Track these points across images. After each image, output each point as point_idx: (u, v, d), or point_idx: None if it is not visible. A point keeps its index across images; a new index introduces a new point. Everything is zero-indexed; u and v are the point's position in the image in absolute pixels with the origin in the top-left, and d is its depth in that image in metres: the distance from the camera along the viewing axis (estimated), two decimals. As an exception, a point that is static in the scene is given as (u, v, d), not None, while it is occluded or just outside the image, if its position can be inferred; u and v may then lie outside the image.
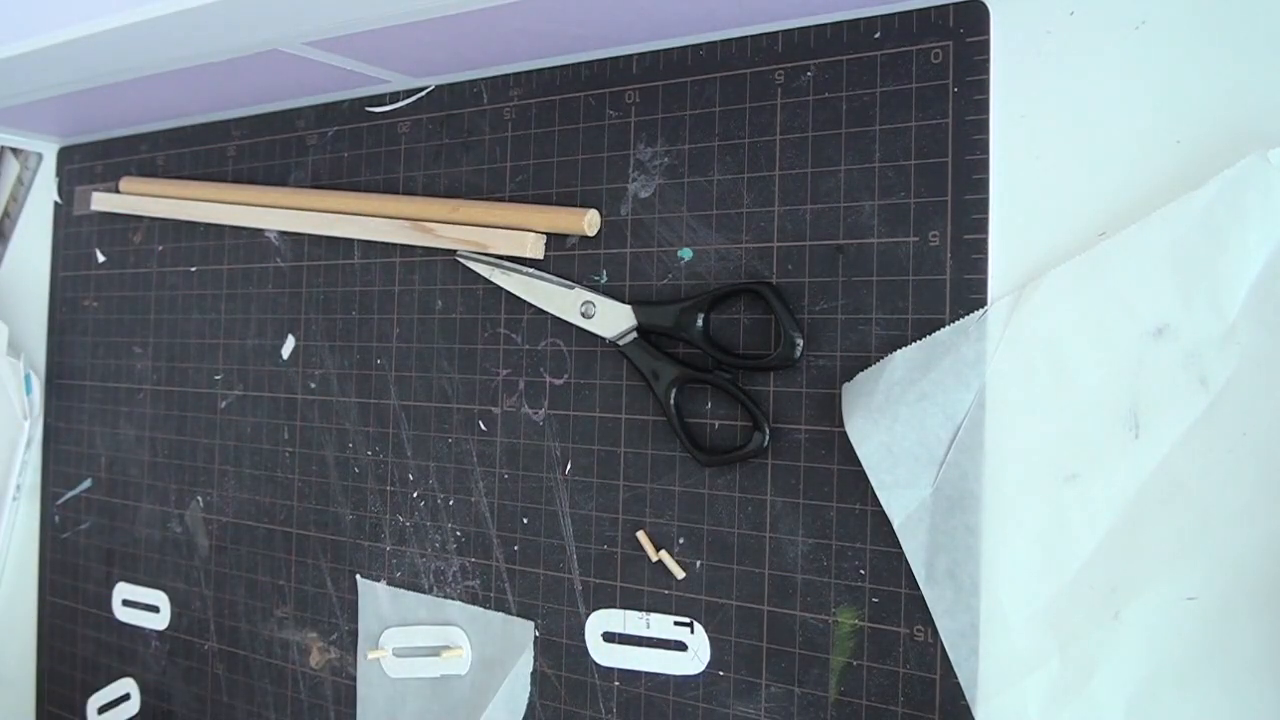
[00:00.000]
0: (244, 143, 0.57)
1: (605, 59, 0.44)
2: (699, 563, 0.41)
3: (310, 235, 0.53)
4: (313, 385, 0.53)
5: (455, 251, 0.47)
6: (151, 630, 0.59)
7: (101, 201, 0.62)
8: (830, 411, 0.38)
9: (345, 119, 0.52)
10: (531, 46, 0.44)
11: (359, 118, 0.52)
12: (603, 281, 0.44)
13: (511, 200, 0.46)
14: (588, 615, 0.43)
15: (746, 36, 0.40)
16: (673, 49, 0.42)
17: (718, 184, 0.41)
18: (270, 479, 0.54)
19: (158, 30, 0.41)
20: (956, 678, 0.35)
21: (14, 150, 0.69)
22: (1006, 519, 0.35)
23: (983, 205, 0.35)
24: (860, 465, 0.37)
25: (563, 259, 0.45)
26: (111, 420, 0.62)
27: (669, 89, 0.42)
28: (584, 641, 0.43)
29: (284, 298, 0.54)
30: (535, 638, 0.45)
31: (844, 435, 0.37)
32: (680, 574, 0.41)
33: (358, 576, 0.50)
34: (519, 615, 0.45)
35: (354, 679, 0.50)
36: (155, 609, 0.59)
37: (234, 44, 0.43)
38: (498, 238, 0.45)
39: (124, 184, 0.61)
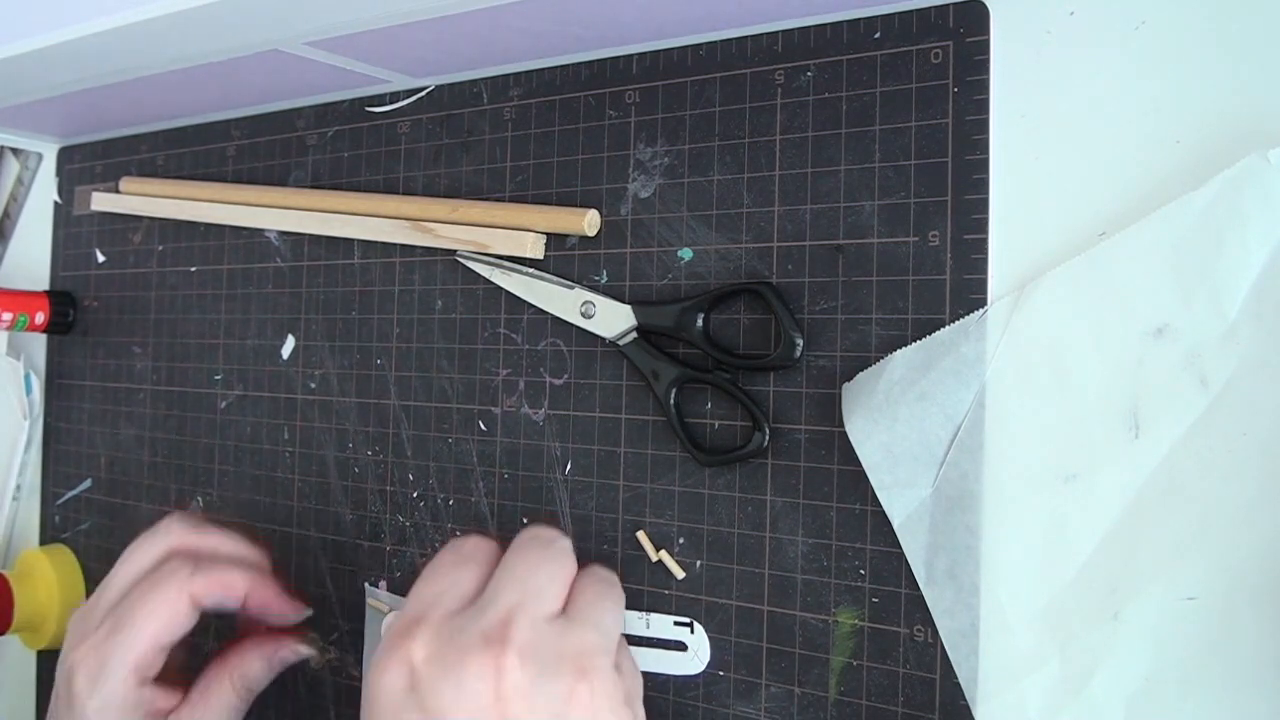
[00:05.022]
0: (244, 143, 0.57)
1: (605, 59, 0.44)
2: (699, 563, 0.41)
3: (310, 235, 0.53)
4: (313, 385, 0.53)
5: (455, 251, 0.47)
6: (151, 630, 0.59)
7: (101, 201, 0.62)
8: (830, 411, 0.38)
9: (345, 119, 0.52)
10: (531, 46, 0.44)
11: (359, 118, 0.52)
12: (603, 281, 0.44)
13: (511, 200, 0.46)
14: (588, 615, 0.43)
15: (746, 36, 0.40)
16: (673, 49, 0.42)
17: (718, 184, 0.41)
18: (270, 479, 0.54)
19: (158, 30, 0.41)
20: (956, 678, 0.35)
21: (14, 150, 0.69)
22: (1006, 519, 0.35)
23: (983, 205, 0.36)
24: (860, 465, 0.37)
25: (563, 259, 0.45)
26: (111, 420, 0.62)
27: (669, 89, 0.42)
28: (584, 641, 0.43)
29: (284, 298, 0.54)
30: (535, 638, 0.45)
31: (844, 435, 0.37)
32: (680, 574, 0.41)
33: (366, 585, 0.50)
34: (519, 615, 0.45)
35: (354, 679, 0.50)
36: (155, 609, 0.59)
37: (234, 44, 0.43)
38: (498, 238, 0.45)
39: (124, 184, 0.61)
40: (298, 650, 0.47)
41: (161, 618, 0.42)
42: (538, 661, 0.33)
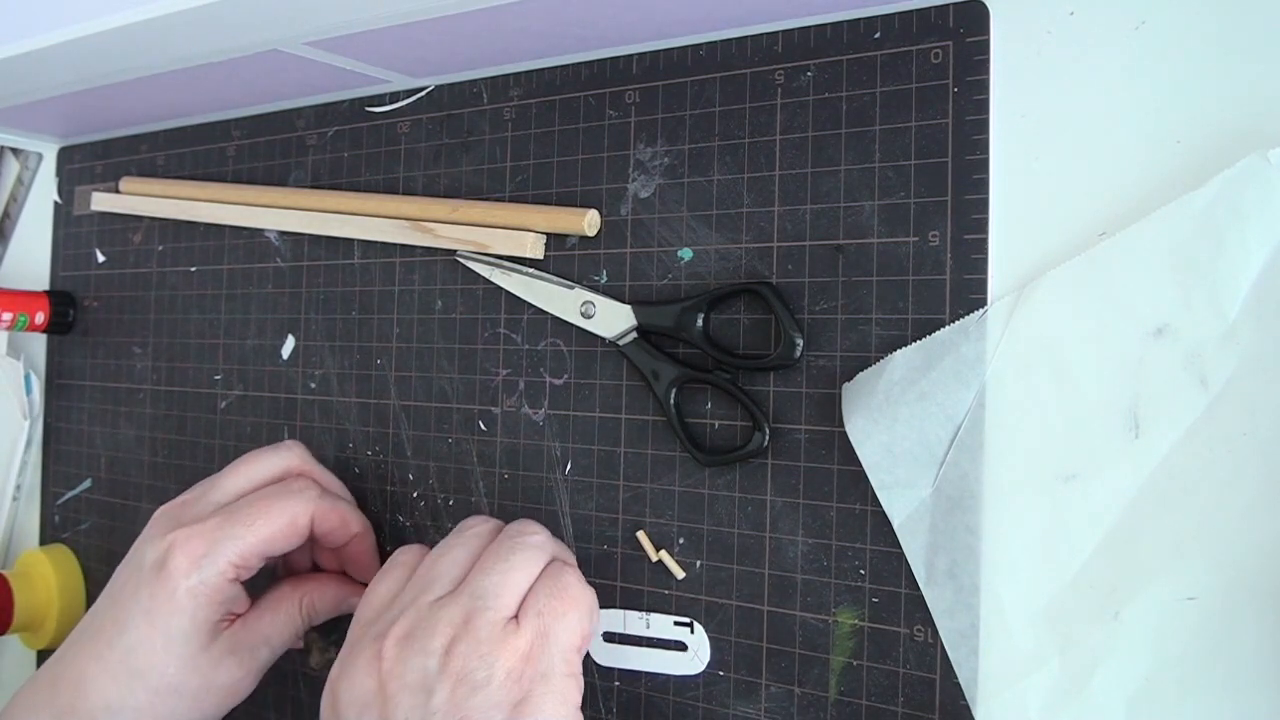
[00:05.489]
0: (244, 143, 0.57)
1: (605, 59, 0.44)
2: (699, 563, 0.41)
3: (310, 235, 0.53)
4: (313, 385, 0.53)
5: (455, 251, 0.47)
6: (151, 630, 0.59)
7: (101, 201, 0.62)
8: (830, 411, 0.38)
9: (345, 119, 0.52)
10: (531, 46, 0.44)
11: (359, 118, 0.52)
12: (603, 281, 0.44)
13: (511, 200, 0.46)
14: (588, 615, 0.43)
15: (746, 36, 0.40)
16: (673, 49, 0.42)
17: (718, 184, 0.41)
18: (270, 479, 0.54)
19: (158, 30, 0.41)
20: (956, 678, 0.35)
21: (14, 150, 0.69)
22: (1006, 519, 0.35)
23: (983, 205, 0.36)
24: (860, 465, 0.37)
25: (563, 259, 0.45)
26: (111, 420, 0.62)
27: (669, 89, 0.42)
28: (584, 641, 0.43)
29: (284, 298, 0.54)
30: (535, 638, 0.45)
31: (844, 435, 0.37)
32: (680, 574, 0.41)
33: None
34: (519, 615, 0.45)
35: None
36: (155, 609, 0.59)
37: (234, 44, 0.43)
38: (498, 238, 0.45)
39: (124, 184, 0.61)
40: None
41: (280, 525, 0.43)
42: (409, 640, 0.35)
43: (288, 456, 0.47)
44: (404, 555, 0.41)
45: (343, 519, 0.45)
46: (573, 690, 0.36)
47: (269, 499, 0.44)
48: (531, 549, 0.38)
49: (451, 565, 0.38)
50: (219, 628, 0.43)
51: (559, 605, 0.37)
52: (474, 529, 0.41)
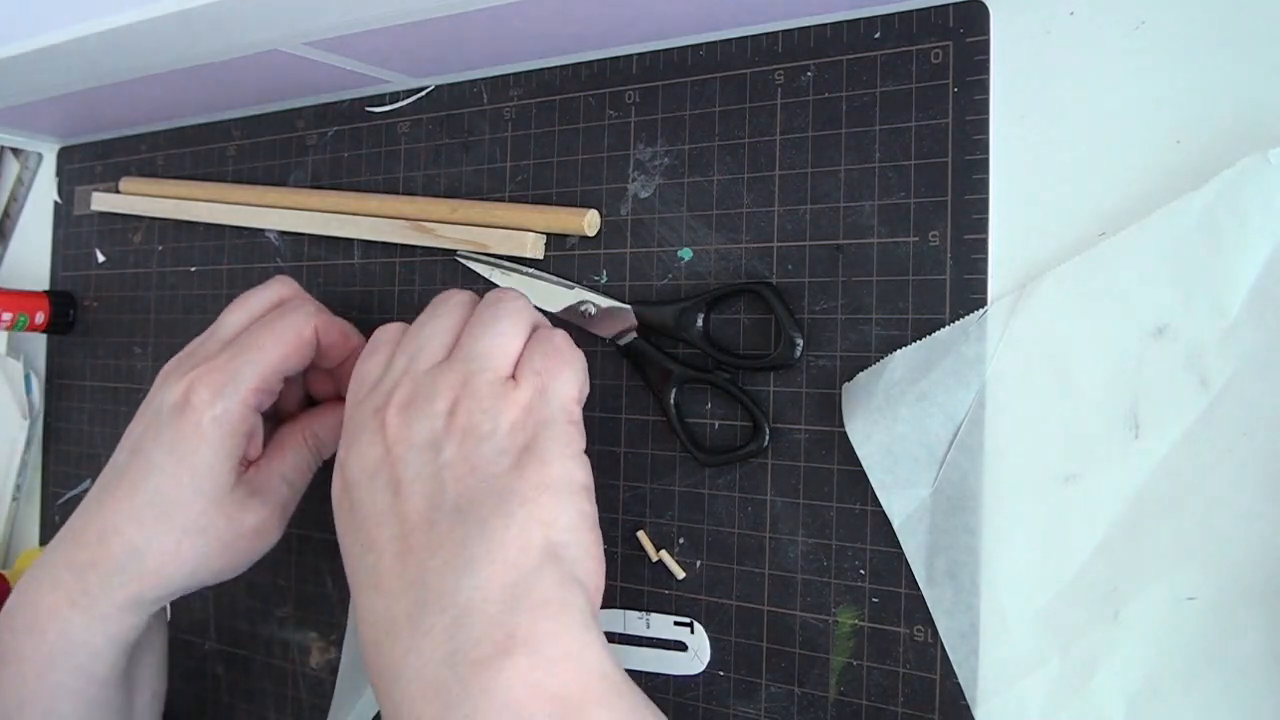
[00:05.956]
0: (244, 143, 0.57)
1: (605, 59, 0.44)
2: (699, 563, 0.41)
3: (310, 235, 0.53)
4: (313, 385, 0.53)
5: (455, 251, 0.47)
6: (151, 630, 0.59)
7: (101, 201, 0.62)
8: (830, 411, 0.38)
9: (345, 119, 0.52)
10: (531, 46, 0.44)
11: (359, 118, 0.52)
12: (603, 281, 0.44)
13: (511, 200, 0.46)
14: (588, 615, 0.43)
15: (746, 36, 0.40)
16: (673, 49, 0.42)
17: (718, 184, 0.41)
18: (270, 479, 0.54)
19: (158, 30, 0.41)
20: (956, 678, 0.35)
21: (14, 150, 0.69)
22: (1006, 519, 0.35)
23: (983, 205, 0.36)
24: (860, 465, 0.37)
25: (563, 259, 0.45)
26: (111, 420, 0.62)
27: (669, 89, 0.42)
28: (584, 641, 0.43)
29: (284, 298, 0.54)
30: (535, 638, 0.45)
31: (844, 435, 0.37)
32: (680, 574, 0.41)
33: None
34: (519, 615, 0.45)
35: (354, 679, 0.50)
36: (155, 609, 0.59)
37: (234, 44, 0.43)
38: (498, 238, 0.45)
39: (124, 184, 0.61)
40: None
41: (290, 341, 0.43)
42: (411, 406, 0.36)
43: (279, 288, 0.47)
44: (386, 334, 0.41)
45: (343, 332, 0.46)
46: (575, 436, 0.36)
47: (272, 322, 0.44)
48: (516, 313, 0.38)
49: (436, 332, 0.38)
50: (239, 469, 0.43)
51: (553, 364, 0.37)
52: (453, 299, 0.40)
